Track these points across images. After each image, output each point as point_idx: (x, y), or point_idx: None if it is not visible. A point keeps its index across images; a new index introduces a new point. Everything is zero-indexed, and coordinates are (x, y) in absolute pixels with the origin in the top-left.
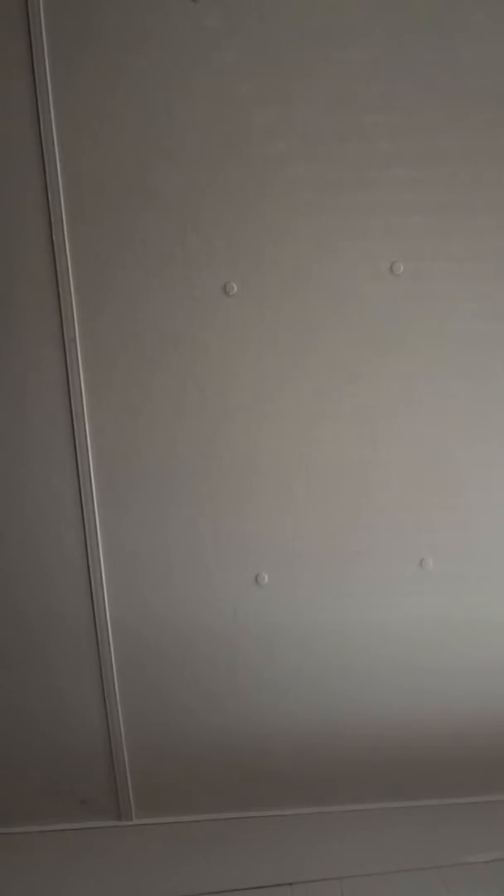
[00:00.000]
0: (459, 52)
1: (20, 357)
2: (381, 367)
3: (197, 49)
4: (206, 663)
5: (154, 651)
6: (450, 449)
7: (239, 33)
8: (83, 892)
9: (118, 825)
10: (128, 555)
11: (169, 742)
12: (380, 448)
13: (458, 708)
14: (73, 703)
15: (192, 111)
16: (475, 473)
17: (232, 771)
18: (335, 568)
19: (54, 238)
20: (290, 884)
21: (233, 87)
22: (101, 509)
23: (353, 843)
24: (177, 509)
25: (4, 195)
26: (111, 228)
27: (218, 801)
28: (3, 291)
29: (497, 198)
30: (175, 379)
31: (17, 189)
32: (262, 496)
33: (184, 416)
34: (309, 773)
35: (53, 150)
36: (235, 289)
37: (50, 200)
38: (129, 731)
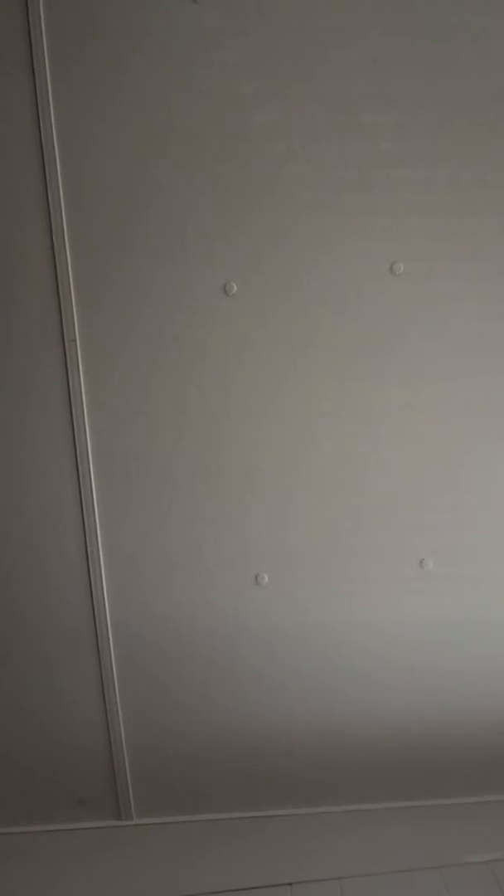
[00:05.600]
0: (459, 52)
1: (20, 357)
2: (380, 366)
3: (197, 49)
4: (205, 663)
5: (154, 651)
6: (450, 449)
7: (239, 33)
8: (83, 892)
9: (118, 825)
10: (128, 555)
11: (169, 742)
12: (380, 448)
13: (458, 708)
14: (74, 703)
15: (192, 111)
16: (475, 473)
17: (232, 771)
18: (335, 568)
19: (54, 238)
20: (289, 884)
21: (233, 87)
22: (100, 509)
23: (353, 843)
24: (177, 509)
25: (4, 195)
26: (111, 228)
27: (218, 801)
28: (3, 292)
29: (497, 198)
30: (175, 379)
31: (17, 189)
32: (262, 496)
33: (184, 416)
34: (309, 774)
35: (53, 150)
36: (235, 289)
37: (50, 200)
38: (129, 730)
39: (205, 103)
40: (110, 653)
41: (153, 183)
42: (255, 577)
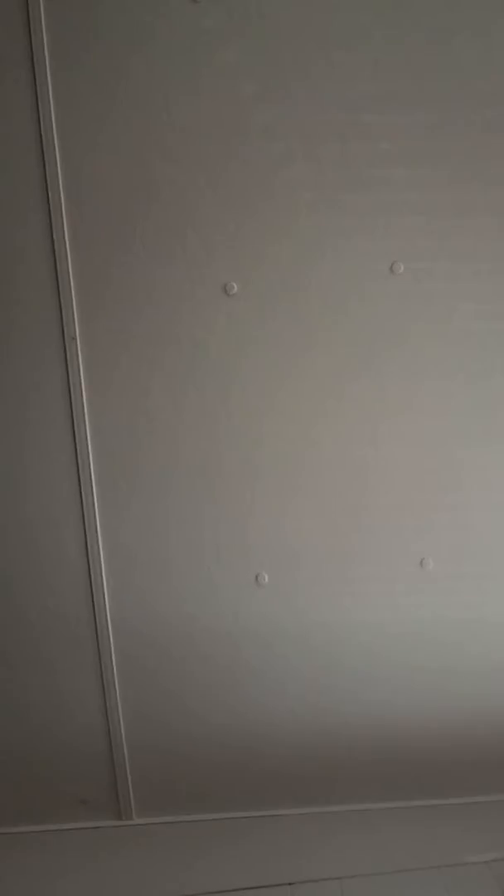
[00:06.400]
0: (459, 52)
1: (20, 357)
2: (381, 366)
3: (197, 49)
4: (206, 663)
5: (154, 651)
6: (450, 449)
7: (239, 33)
8: (83, 892)
9: (118, 825)
10: (128, 555)
11: (169, 742)
12: (380, 448)
13: (458, 708)
14: (74, 703)
15: (192, 111)
16: (475, 473)
17: (232, 771)
18: (335, 568)
19: (54, 238)
20: (290, 884)
21: (233, 87)
22: (101, 509)
23: (353, 843)
24: (177, 509)
25: (4, 195)
26: (111, 228)
27: (218, 801)
28: (3, 291)
29: (497, 198)
30: (175, 379)
31: (17, 189)
32: (263, 496)
33: (184, 416)
34: (309, 773)
35: (53, 150)
36: (235, 289)
37: (50, 200)
38: (129, 730)
39: (205, 103)
40: (111, 652)
41: (153, 182)
42: (256, 577)
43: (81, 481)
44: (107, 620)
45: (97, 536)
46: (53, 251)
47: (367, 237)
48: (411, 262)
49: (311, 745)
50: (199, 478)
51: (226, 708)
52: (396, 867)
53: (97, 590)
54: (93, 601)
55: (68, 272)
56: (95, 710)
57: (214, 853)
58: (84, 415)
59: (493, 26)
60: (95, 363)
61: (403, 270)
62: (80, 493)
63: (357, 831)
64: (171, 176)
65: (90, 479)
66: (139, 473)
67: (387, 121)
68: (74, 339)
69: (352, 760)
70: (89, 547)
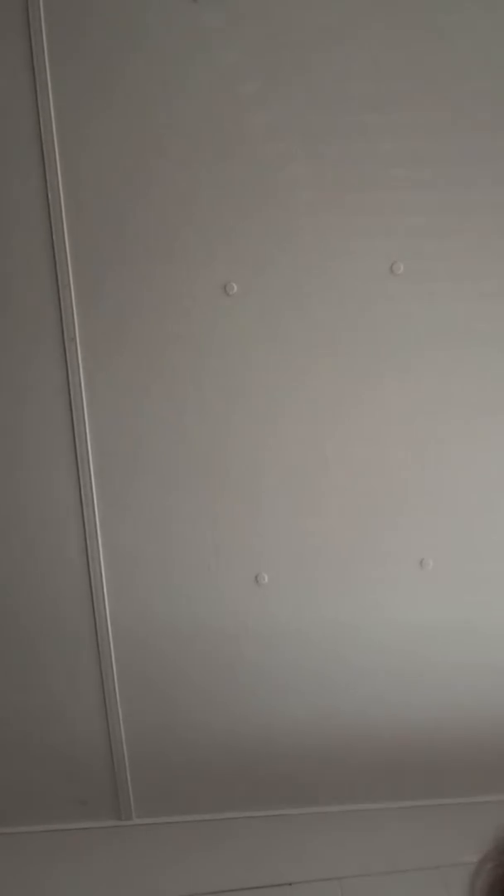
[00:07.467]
0: (459, 52)
1: (20, 357)
2: (380, 366)
3: (197, 49)
4: (205, 663)
5: (154, 651)
6: (450, 449)
7: (239, 33)
8: (83, 892)
9: (118, 825)
10: (128, 555)
11: (169, 742)
12: (380, 448)
13: (458, 708)
14: (74, 703)
15: (192, 111)
16: (476, 474)
17: (232, 771)
18: (335, 568)
19: (54, 238)
20: (289, 884)
21: (233, 87)
22: (101, 509)
23: (353, 843)
24: (177, 509)
25: (4, 195)
26: (111, 228)
27: (218, 801)
28: (2, 291)
29: (497, 198)
30: (175, 379)
31: (17, 189)
32: (262, 496)
33: (184, 416)
34: (309, 773)
35: (53, 151)
36: (235, 289)
37: (50, 200)
38: (129, 730)
39: (205, 103)
40: (110, 652)
41: (153, 183)
42: (255, 577)
43: (81, 481)
44: (106, 619)
45: (97, 537)
46: (53, 251)
47: (367, 237)
48: (411, 262)
49: (311, 744)
50: (199, 478)
51: (225, 707)
52: (396, 867)
53: (97, 589)
54: (92, 600)
55: (68, 272)
56: (95, 710)
57: (214, 853)
58: (84, 415)
59: (494, 26)
60: (95, 363)
61: (403, 270)
62: (80, 493)
63: (357, 831)
64: (172, 176)
65: (90, 479)
66: (139, 473)
67: (387, 121)
68: (74, 339)
69: (352, 760)
70: (89, 547)
